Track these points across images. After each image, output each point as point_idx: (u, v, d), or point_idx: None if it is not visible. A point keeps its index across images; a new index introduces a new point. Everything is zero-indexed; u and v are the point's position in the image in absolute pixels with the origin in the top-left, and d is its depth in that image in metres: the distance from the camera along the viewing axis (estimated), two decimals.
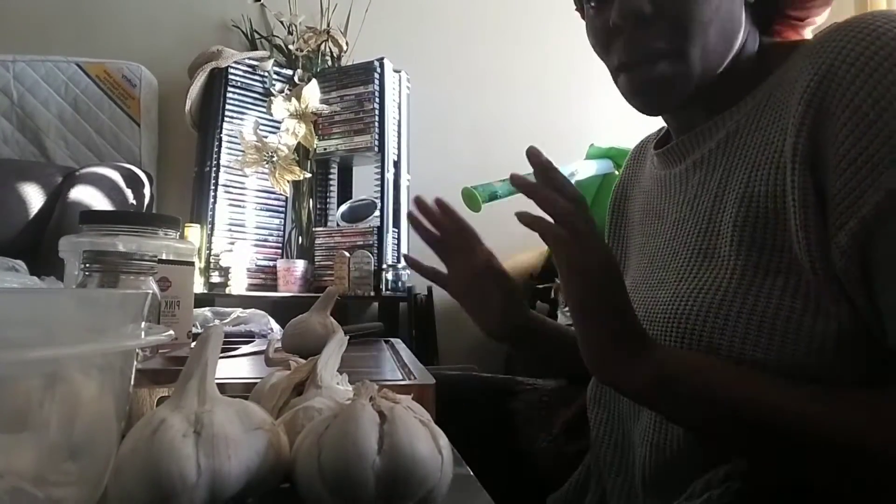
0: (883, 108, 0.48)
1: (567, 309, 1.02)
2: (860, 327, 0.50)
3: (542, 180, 0.60)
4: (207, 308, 1.26)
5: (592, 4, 0.65)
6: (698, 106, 0.65)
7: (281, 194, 2.22)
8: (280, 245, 2.25)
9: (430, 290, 2.19)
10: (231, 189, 2.13)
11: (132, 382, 0.32)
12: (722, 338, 0.54)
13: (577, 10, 0.73)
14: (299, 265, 2.10)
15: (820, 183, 0.51)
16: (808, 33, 0.68)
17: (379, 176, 2.11)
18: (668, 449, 0.59)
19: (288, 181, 2.14)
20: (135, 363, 0.33)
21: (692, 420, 0.54)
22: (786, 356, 0.51)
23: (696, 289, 0.58)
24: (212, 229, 2.06)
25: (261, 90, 2.18)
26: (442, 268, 0.87)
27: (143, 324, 0.32)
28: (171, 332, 0.32)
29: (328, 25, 2.28)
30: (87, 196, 1.83)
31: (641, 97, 0.64)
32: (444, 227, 0.85)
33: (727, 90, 0.63)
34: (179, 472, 0.30)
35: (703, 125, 0.65)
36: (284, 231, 2.27)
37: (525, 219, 0.58)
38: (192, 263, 0.83)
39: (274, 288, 2.12)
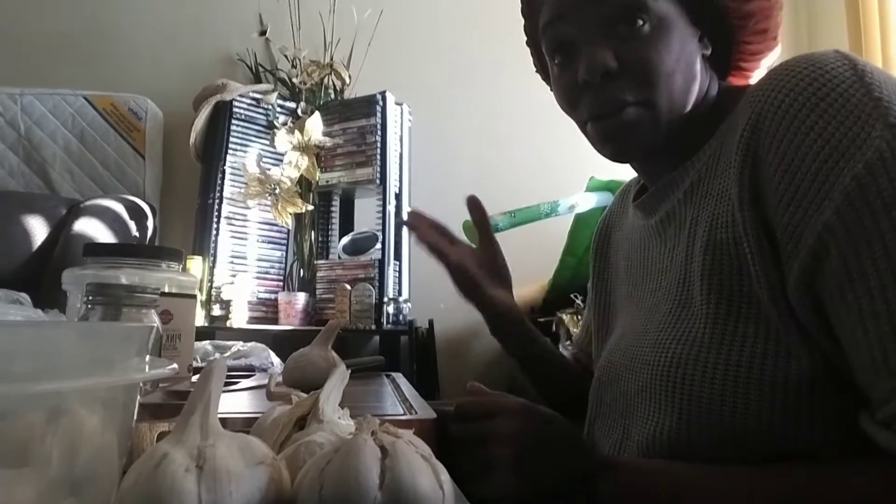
0: (804, 154, 0.50)
1: (569, 344, 1.02)
2: (832, 368, 0.51)
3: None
4: (208, 341, 1.26)
5: (557, 62, 0.67)
6: (665, 154, 0.67)
7: (283, 226, 2.23)
8: (281, 277, 2.25)
9: (431, 323, 2.19)
10: (233, 221, 2.14)
11: (135, 417, 0.32)
12: (702, 388, 0.55)
13: (537, 72, 0.75)
14: (300, 298, 2.10)
15: (769, 228, 0.53)
16: (759, 75, 0.70)
17: (381, 208, 2.12)
18: None
19: (290, 213, 2.16)
20: (138, 397, 0.33)
21: None
22: (764, 404, 0.52)
23: (675, 339, 0.59)
24: (214, 261, 2.07)
25: (264, 123, 2.21)
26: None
27: (147, 357, 0.32)
28: (175, 365, 0.32)
29: (331, 59, 2.32)
30: (91, 228, 1.84)
31: (612, 144, 0.66)
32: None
33: (690, 137, 0.65)
34: None
35: (669, 176, 0.67)
36: (286, 263, 2.27)
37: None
38: (194, 296, 0.83)
39: (275, 321, 2.12)
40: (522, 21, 0.75)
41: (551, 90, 0.72)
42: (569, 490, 0.57)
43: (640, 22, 0.61)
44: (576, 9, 0.63)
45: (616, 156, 0.67)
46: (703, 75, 0.65)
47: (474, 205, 0.79)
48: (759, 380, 0.52)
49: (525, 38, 0.76)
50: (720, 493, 0.52)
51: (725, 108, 0.63)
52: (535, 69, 0.78)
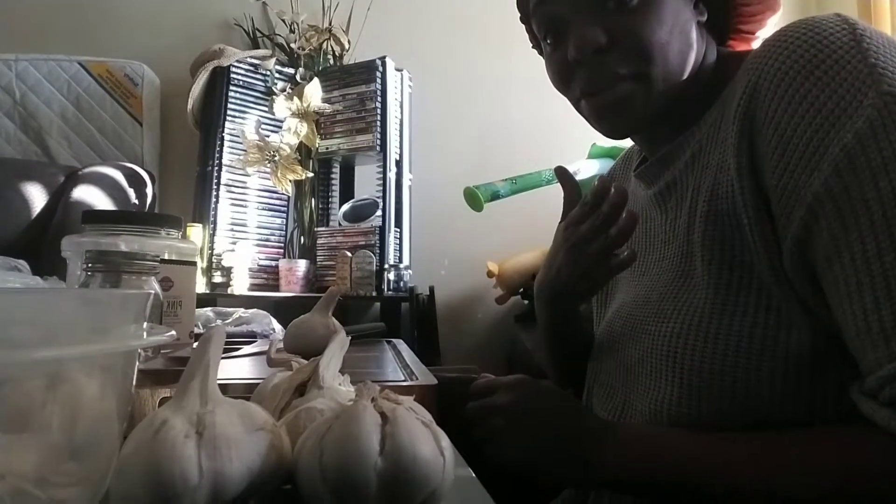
0: (797, 123, 0.49)
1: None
2: (832, 340, 0.51)
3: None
4: (209, 308, 1.26)
5: (549, 41, 0.66)
6: (664, 125, 0.66)
7: (283, 194, 2.22)
8: (282, 245, 2.25)
9: (431, 290, 2.19)
10: (233, 188, 2.13)
11: (134, 383, 0.32)
12: (703, 357, 0.55)
13: (533, 47, 0.74)
14: (301, 265, 2.10)
15: (766, 197, 0.52)
16: (758, 42, 0.69)
17: (381, 175, 2.11)
18: None
19: (290, 180, 2.14)
20: (137, 363, 0.33)
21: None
22: (764, 374, 0.52)
23: (676, 309, 0.59)
24: (214, 229, 2.06)
25: (263, 89, 2.18)
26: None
27: (145, 324, 0.32)
28: (173, 332, 0.32)
29: (330, 24, 2.28)
30: (90, 196, 1.83)
31: (606, 120, 0.65)
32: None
33: (690, 106, 0.64)
34: (181, 473, 0.30)
35: (670, 146, 0.66)
36: (286, 231, 2.27)
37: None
38: (194, 263, 0.83)
39: (276, 288, 2.12)
40: None
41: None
42: (566, 457, 0.58)
43: None
44: None
45: (611, 132, 0.66)
46: (700, 42, 0.64)
47: (563, 174, 0.75)
48: (760, 349, 0.52)
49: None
50: (724, 458, 0.52)
51: (726, 74, 0.62)
52: (530, 45, 0.76)
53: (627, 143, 0.84)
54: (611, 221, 0.64)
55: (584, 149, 2.03)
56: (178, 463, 0.30)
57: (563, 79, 0.66)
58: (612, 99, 0.62)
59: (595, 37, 0.60)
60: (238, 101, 2.13)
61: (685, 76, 0.62)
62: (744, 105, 0.53)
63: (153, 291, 0.62)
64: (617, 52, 0.60)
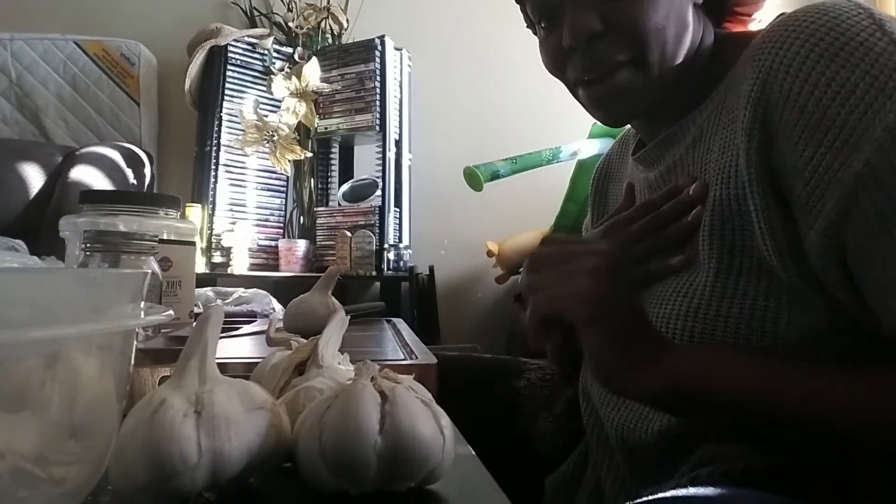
0: (826, 107, 0.48)
1: None
2: (839, 319, 0.50)
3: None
4: (209, 288, 1.26)
5: (543, 26, 0.65)
6: (663, 111, 0.65)
7: (282, 174, 2.21)
8: (281, 225, 2.24)
9: (431, 269, 2.19)
10: (232, 169, 2.12)
11: (133, 362, 0.32)
12: (703, 340, 0.55)
13: (528, 27, 0.73)
14: (301, 245, 2.10)
15: (779, 186, 0.51)
16: (755, 25, 0.68)
17: (380, 155, 2.10)
18: (646, 441, 0.60)
19: (289, 161, 2.14)
20: (135, 343, 0.33)
21: (705, 419, 0.54)
22: None
23: (676, 291, 0.59)
24: (213, 209, 2.06)
25: (261, 68, 2.17)
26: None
27: (142, 303, 0.32)
28: (171, 311, 0.32)
29: (328, 2, 2.26)
30: (88, 176, 1.83)
31: (605, 109, 0.64)
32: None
33: (689, 91, 0.63)
34: (180, 452, 0.30)
35: (670, 129, 0.65)
36: (286, 211, 2.26)
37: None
38: (193, 243, 0.83)
39: (275, 268, 2.12)
40: None
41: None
42: (638, 339, 0.53)
43: None
44: None
45: (609, 120, 0.65)
46: (696, 25, 0.63)
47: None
48: (761, 332, 0.52)
49: None
50: (785, 387, 0.49)
51: (725, 58, 0.61)
52: (525, 25, 0.75)
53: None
54: (669, 220, 0.61)
55: (584, 128, 2.02)
56: (176, 442, 0.30)
57: (558, 64, 0.65)
58: (609, 87, 0.61)
59: (590, 23, 0.59)
60: (236, 81, 2.12)
61: (681, 59, 0.61)
62: (756, 92, 0.52)
63: (150, 271, 0.62)
64: (612, 38, 0.59)
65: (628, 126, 0.83)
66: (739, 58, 0.58)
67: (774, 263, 0.52)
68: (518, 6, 0.71)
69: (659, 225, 0.62)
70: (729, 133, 0.57)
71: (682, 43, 0.61)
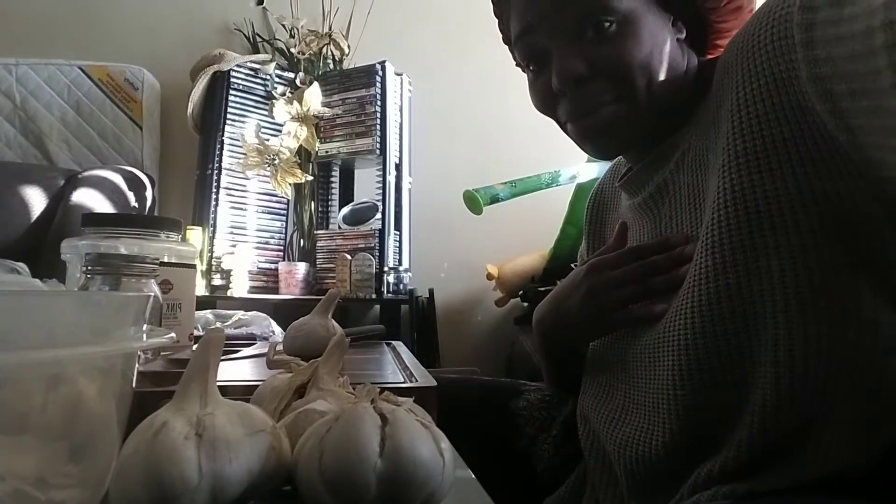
0: (843, 31, 0.45)
1: None
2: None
3: None
4: (209, 310, 1.26)
5: (532, 69, 0.67)
6: (650, 137, 0.66)
7: (282, 197, 2.22)
8: (282, 248, 2.25)
9: (431, 292, 2.19)
10: (233, 192, 2.13)
11: (134, 385, 0.32)
12: (706, 345, 0.55)
13: (517, 65, 0.74)
14: (301, 268, 2.10)
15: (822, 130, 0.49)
16: None
17: (381, 178, 2.12)
18: (651, 457, 0.59)
19: (289, 184, 2.15)
20: (137, 365, 0.33)
21: None
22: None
23: (677, 303, 0.59)
24: (213, 232, 2.06)
25: (263, 93, 2.19)
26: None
27: (145, 326, 0.32)
28: (173, 334, 0.32)
29: (330, 29, 2.29)
30: (90, 199, 1.83)
31: (593, 143, 0.66)
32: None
33: (673, 115, 0.64)
34: (181, 474, 0.30)
35: (654, 153, 0.66)
36: (286, 234, 2.27)
37: None
38: (193, 266, 0.83)
39: (275, 290, 2.12)
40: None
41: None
42: None
43: (607, 24, 0.60)
44: (543, 19, 0.63)
45: (599, 154, 0.67)
46: (680, 58, 0.64)
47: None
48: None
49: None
50: None
51: (708, 81, 0.62)
52: (515, 63, 0.76)
53: None
54: (655, 272, 0.61)
55: (582, 152, 2.03)
56: (177, 464, 0.30)
57: (548, 105, 0.67)
58: (597, 123, 0.63)
59: (576, 67, 0.61)
60: (238, 106, 2.14)
61: (668, 92, 0.63)
62: (773, 41, 0.50)
63: (153, 294, 0.62)
64: (599, 81, 0.61)
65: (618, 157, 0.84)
66: (721, 57, 0.60)
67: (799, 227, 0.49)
68: (507, 48, 0.73)
69: (644, 274, 0.62)
70: (726, 130, 0.56)
71: (667, 78, 0.63)
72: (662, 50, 0.62)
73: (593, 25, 0.61)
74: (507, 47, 0.76)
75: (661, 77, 0.62)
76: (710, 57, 0.70)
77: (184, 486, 0.30)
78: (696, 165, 0.61)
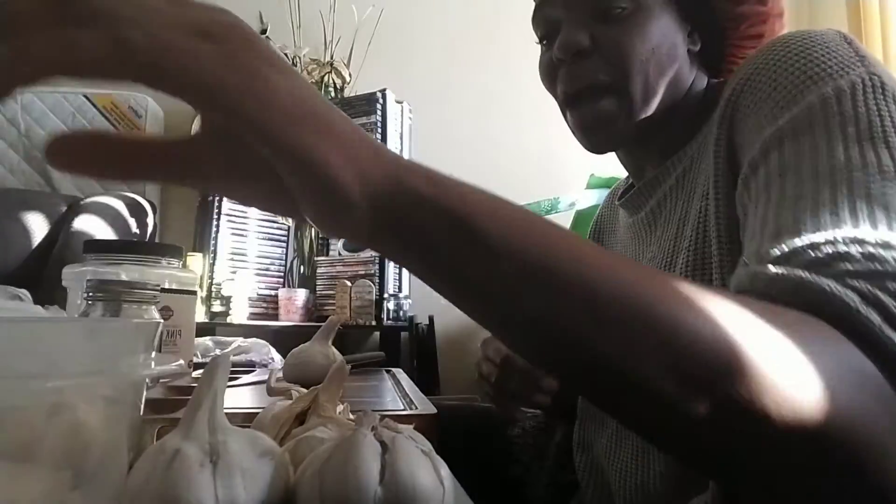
0: (777, 83, 0.49)
1: None
2: None
3: None
4: (209, 337, 1.26)
5: (544, 42, 0.69)
6: (651, 148, 0.67)
7: (283, 223, 2.23)
8: (282, 274, 2.25)
9: (431, 319, 2.19)
10: (234, 218, 2.14)
11: (141, 413, 0.32)
12: None
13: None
14: (301, 294, 2.10)
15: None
16: None
17: None
18: (649, 485, 0.59)
19: None
20: (144, 393, 0.33)
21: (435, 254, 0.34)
22: None
23: None
24: (214, 258, 2.07)
25: None
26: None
27: (153, 354, 0.32)
28: (182, 361, 0.32)
29: (332, 57, 2.32)
30: (91, 225, 1.84)
31: (587, 133, 0.66)
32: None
33: (677, 131, 0.65)
34: (199, 502, 0.30)
35: (658, 169, 0.67)
36: (286, 260, 2.27)
37: None
38: (194, 292, 0.83)
39: (275, 317, 2.12)
40: (522, 20, 0.76)
41: None
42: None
43: (620, 8, 0.61)
44: None
45: (591, 146, 0.67)
46: (688, 70, 0.65)
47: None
48: None
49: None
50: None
51: (715, 101, 0.64)
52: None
53: (625, 174, 0.85)
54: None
55: (582, 179, 2.05)
56: (195, 492, 0.30)
57: (550, 78, 0.68)
58: (592, 112, 0.64)
59: (578, 39, 0.62)
60: None
61: (664, 96, 0.64)
62: (731, 103, 0.54)
63: (161, 321, 0.62)
64: (597, 59, 0.62)
65: (619, 177, 0.84)
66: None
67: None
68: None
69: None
70: (708, 160, 0.58)
71: (665, 79, 0.63)
72: (669, 52, 0.63)
73: (606, 6, 0.62)
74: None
75: (659, 76, 0.63)
76: (721, 80, 0.71)
77: None
78: (692, 188, 0.62)
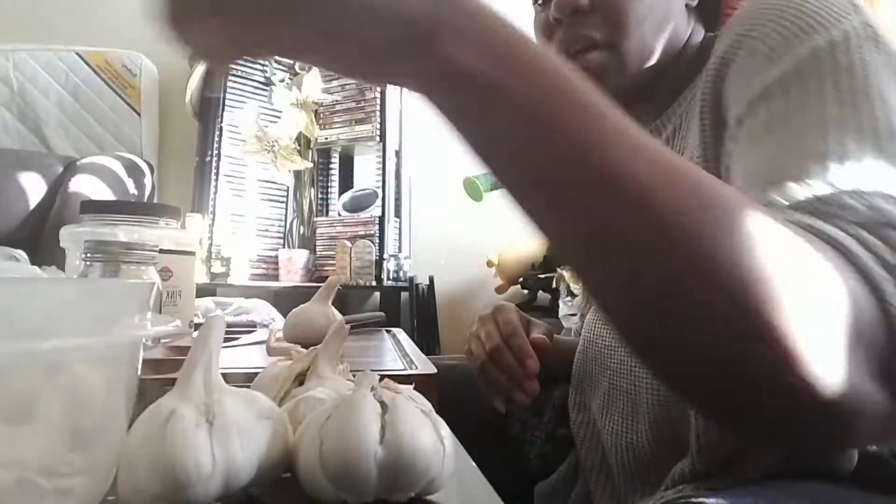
0: (766, 35, 0.48)
1: (569, 299, 1.02)
2: None
3: None
4: (209, 298, 1.26)
5: (539, 3, 0.67)
6: (647, 103, 0.66)
7: (282, 184, 2.22)
8: (281, 235, 2.25)
9: (431, 280, 2.19)
10: (232, 179, 2.13)
11: (139, 372, 0.32)
12: None
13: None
14: (301, 255, 2.10)
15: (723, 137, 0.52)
16: None
17: (380, 165, 2.11)
18: (638, 446, 0.60)
19: (289, 171, 2.14)
20: (141, 353, 0.33)
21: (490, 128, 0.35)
22: None
23: None
24: (213, 219, 2.06)
25: (262, 79, 2.18)
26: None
27: (149, 314, 0.32)
28: (178, 322, 0.32)
29: None
30: (88, 186, 1.83)
31: None
32: None
33: (671, 86, 0.64)
34: (195, 462, 0.30)
35: (651, 125, 0.66)
36: (286, 221, 2.27)
37: None
38: (193, 253, 0.83)
39: (275, 278, 2.12)
40: None
41: None
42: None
43: None
44: None
45: None
46: (684, 25, 0.65)
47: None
48: None
49: None
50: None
51: (708, 56, 0.63)
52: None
53: None
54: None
55: None
56: (191, 452, 0.30)
57: (545, 38, 0.67)
58: (582, 66, 0.62)
59: None
60: (237, 92, 2.13)
61: (659, 54, 0.63)
62: (720, 59, 0.52)
63: (156, 282, 0.62)
64: (594, 17, 0.61)
65: None
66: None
67: None
68: (520, 21, 0.72)
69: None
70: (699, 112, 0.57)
71: (662, 38, 0.62)
72: (666, 8, 0.62)
73: None
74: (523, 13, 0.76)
75: (655, 35, 0.62)
76: (714, 34, 0.70)
77: (198, 473, 0.30)
78: (682, 145, 0.61)
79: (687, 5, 0.65)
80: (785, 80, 0.45)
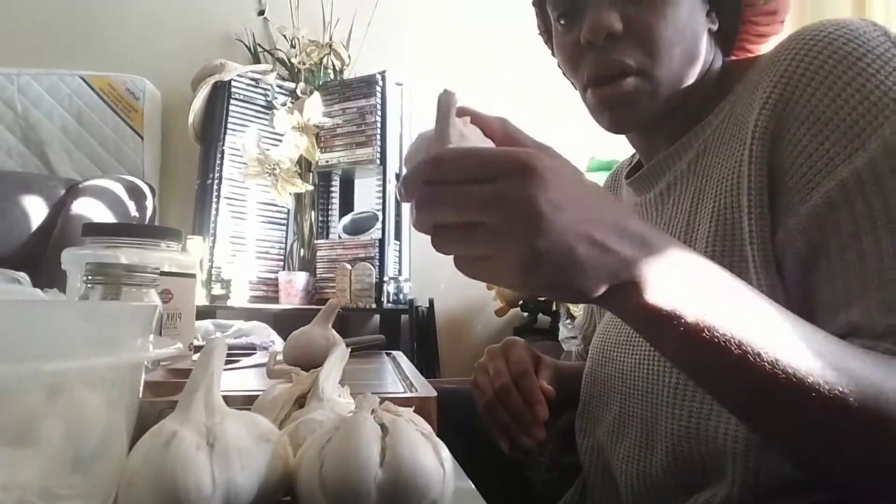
0: (839, 106, 0.50)
1: (569, 322, 1.02)
2: None
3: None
4: (209, 320, 1.26)
5: (562, 23, 0.66)
6: (665, 127, 0.67)
7: (283, 206, 2.22)
8: (282, 257, 2.25)
9: (431, 302, 2.19)
10: (233, 201, 2.13)
11: (140, 395, 0.32)
12: None
13: (540, 34, 0.74)
14: (301, 277, 2.10)
15: (774, 186, 0.53)
16: (764, 49, 0.70)
17: (381, 188, 2.12)
18: (651, 474, 0.59)
19: (290, 193, 2.15)
20: (143, 376, 0.33)
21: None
22: None
23: None
24: (214, 241, 2.07)
25: (263, 103, 2.20)
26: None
27: (151, 337, 0.32)
28: (180, 344, 0.32)
29: (331, 39, 2.30)
30: (90, 208, 1.84)
31: (608, 113, 0.65)
32: None
33: (692, 110, 0.65)
34: (196, 484, 0.30)
35: (671, 148, 0.66)
36: (286, 243, 2.27)
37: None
38: (193, 275, 0.83)
39: (275, 300, 2.12)
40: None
41: (552, 54, 0.71)
42: (629, 234, 0.41)
43: None
44: None
45: (613, 126, 0.66)
46: (708, 50, 0.65)
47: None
48: None
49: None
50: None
51: (730, 79, 0.63)
52: (538, 31, 0.77)
53: (626, 157, 0.85)
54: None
55: (582, 163, 2.04)
56: (192, 474, 0.30)
57: (572, 61, 0.66)
58: (616, 92, 0.62)
59: (611, 21, 0.60)
60: (239, 115, 2.14)
61: (689, 80, 0.63)
62: (778, 91, 0.54)
63: (159, 304, 0.62)
64: (628, 42, 0.61)
65: (620, 160, 0.83)
66: (746, 75, 0.60)
67: (759, 264, 0.53)
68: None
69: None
70: (735, 142, 0.58)
71: (692, 63, 0.63)
72: (695, 33, 0.62)
73: None
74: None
75: (686, 60, 0.62)
76: (733, 58, 0.70)
77: (198, 494, 0.30)
78: (706, 168, 0.62)
79: (709, 30, 0.65)
80: (875, 166, 0.48)
